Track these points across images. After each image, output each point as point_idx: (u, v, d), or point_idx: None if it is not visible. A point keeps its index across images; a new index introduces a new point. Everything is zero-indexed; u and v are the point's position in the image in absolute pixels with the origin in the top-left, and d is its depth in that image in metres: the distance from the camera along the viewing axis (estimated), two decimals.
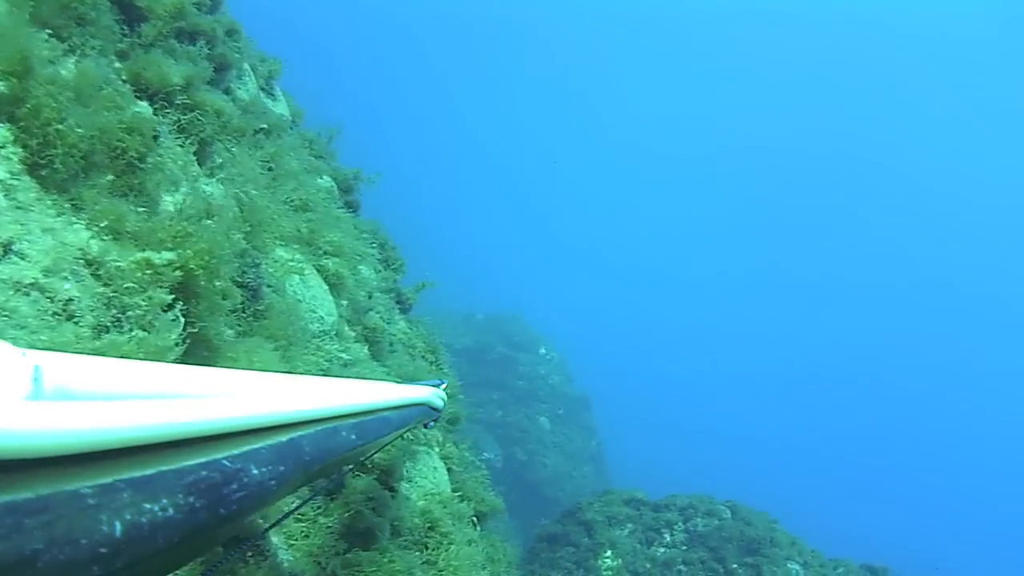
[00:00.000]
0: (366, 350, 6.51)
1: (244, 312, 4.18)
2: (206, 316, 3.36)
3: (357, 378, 5.39)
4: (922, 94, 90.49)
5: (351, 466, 3.84)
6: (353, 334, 6.44)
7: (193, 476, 0.95)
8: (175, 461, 0.93)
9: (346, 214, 8.04)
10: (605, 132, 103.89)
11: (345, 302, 6.33)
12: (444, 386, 3.67)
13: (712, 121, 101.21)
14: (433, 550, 5.38)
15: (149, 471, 0.86)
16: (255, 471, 1.14)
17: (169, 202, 3.81)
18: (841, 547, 17.93)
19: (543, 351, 34.19)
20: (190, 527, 0.91)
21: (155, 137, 3.65)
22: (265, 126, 6.59)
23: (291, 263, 5.39)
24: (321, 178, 8.35)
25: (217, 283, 3.39)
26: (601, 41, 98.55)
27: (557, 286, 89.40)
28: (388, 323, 7.71)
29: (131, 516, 0.78)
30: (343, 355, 5.61)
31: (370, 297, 7.38)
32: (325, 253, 6.15)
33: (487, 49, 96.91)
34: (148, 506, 0.82)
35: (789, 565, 14.31)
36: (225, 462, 1.05)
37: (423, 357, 8.11)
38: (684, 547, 14.88)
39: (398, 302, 8.57)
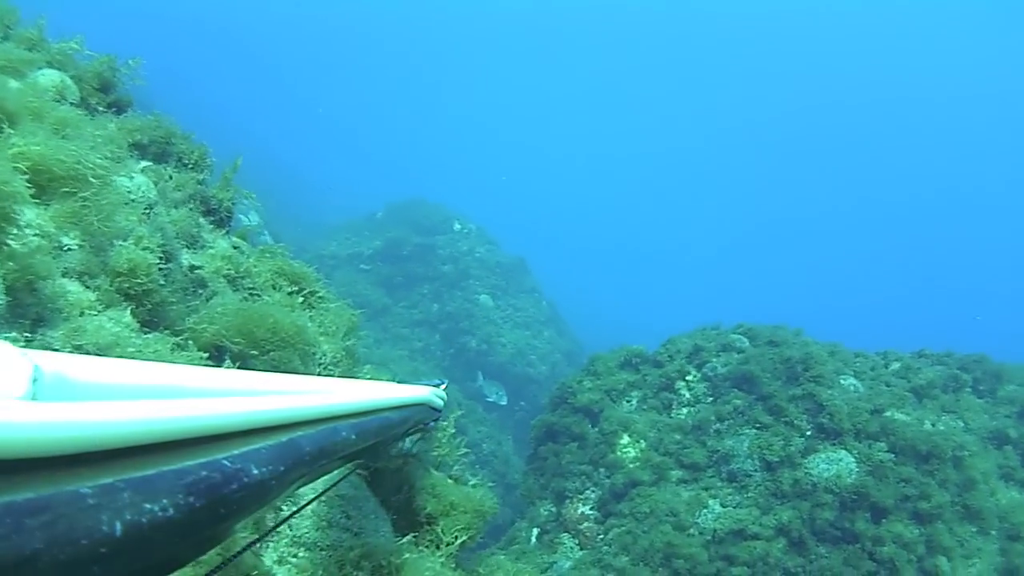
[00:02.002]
0: (128, 316, 3.20)
1: None
2: None
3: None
4: None
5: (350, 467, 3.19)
6: (93, 295, 3.17)
7: (193, 476, 0.92)
8: (175, 461, 0.91)
9: (87, 115, 4.60)
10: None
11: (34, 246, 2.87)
12: (444, 386, 3.60)
13: None
14: None
15: (149, 471, 0.85)
16: (255, 471, 1.09)
17: None
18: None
19: (458, 226, 31.07)
20: (190, 527, 0.88)
21: None
22: None
23: None
24: (33, 74, 4.85)
25: None
26: None
27: (453, 165, 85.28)
28: (186, 251, 4.24)
29: (131, 516, 0.76)
30: None
31: (148, 216, 3.94)
32: None
33: None
34: (148, 506, 0.79)
35: (843, 380, 11.63)
36: (225, 462, 1.02)
37: (275, 287, 4.62)
38: (711, 399, 12.06)
39: (207, 212, 4.95)
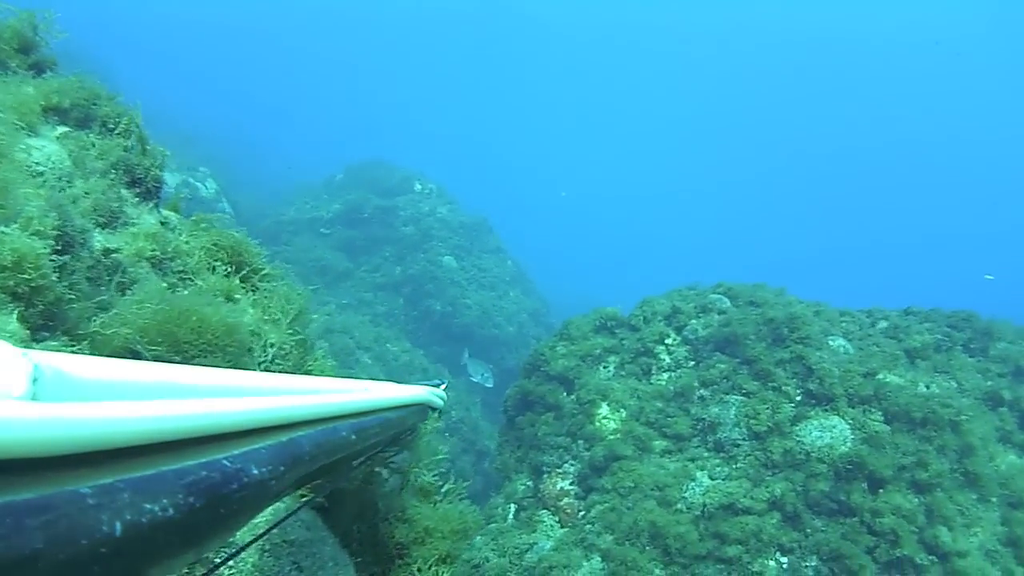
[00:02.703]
0: (14, 321, 2.52)
1: None
2: None
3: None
4: None
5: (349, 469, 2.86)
6: None
7: (193, 476, 0.91)
8: (175, 461, 0.91)
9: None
10: None
11: None
12: (444, 386, 3.46)
13: None
14: None
15: (149, 471, 0.84)
16: (255, 471, 1.08)
17: None
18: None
19: (419, 187, 30.29)
20: (190, 527, 0.88)
21: None
22: None
23: None
24: None
25: None
26: None
27: (413, 127, 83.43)
28: (101, 231, 3.45)
29: (131, 516, 0.75)
30: None
31: (63, 188, 3.15)
32: None
33: None
34: (148, 506, 0.79)
35: (831, 341, 11.06)
36: (225, 462, 1.01)
37: (212, 269, 3.81)
38: (692, 363, 11.45)
39: (132, 183, 4.08)
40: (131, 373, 1.16)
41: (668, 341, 11.90)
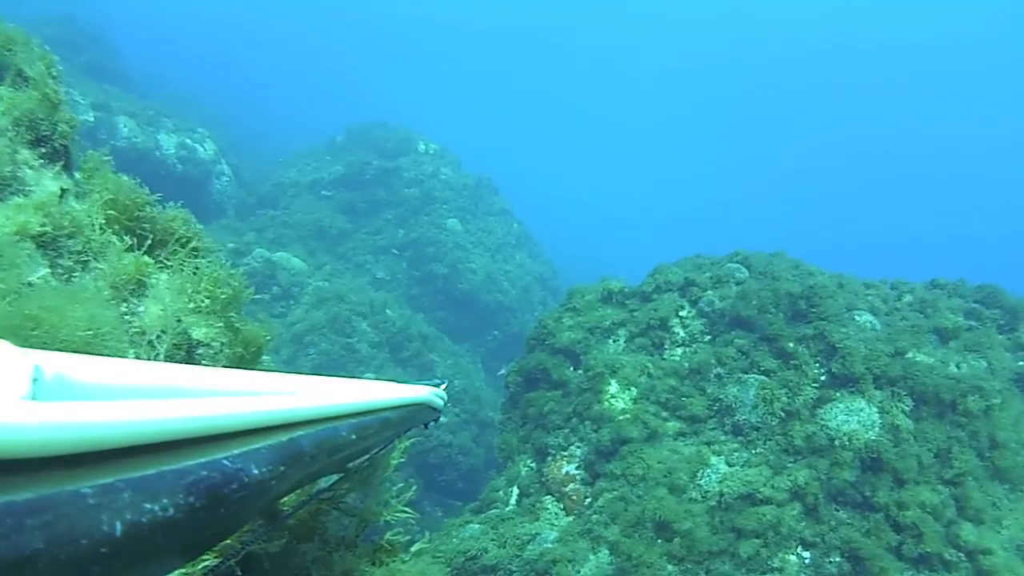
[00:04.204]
0: None
1: None
2: None
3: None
4: None
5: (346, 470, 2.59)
6: None
7: (193, 476, 0.90)
8: (175, 461, 0.90)
9: None
10: None
11: None
12: (444, 386, 3.40)
13: None
14: None
15: (149, 471, 0.83)
16: (255, 471, 1.07)
17: None
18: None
19: (422, 147, 29.43)
20: (190, 527, 0.86)
21: None
22: None
23: None
24: None
25: None
26: None
27: (416, 88, 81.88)
28: None
29: (131, 516, 0.74)
30: None
31: None
32: None
33: None
34: (148, 506, 0.78)
35: (857, 317, 10.34)
36: (225, 462, 1.00)
37: (114, 242, 3.03)
38: (708, 337, 10.76)
39: (36, 142, 3.34)
40: (131, 373, 1.16)
41: (682, 313, 11.21)
